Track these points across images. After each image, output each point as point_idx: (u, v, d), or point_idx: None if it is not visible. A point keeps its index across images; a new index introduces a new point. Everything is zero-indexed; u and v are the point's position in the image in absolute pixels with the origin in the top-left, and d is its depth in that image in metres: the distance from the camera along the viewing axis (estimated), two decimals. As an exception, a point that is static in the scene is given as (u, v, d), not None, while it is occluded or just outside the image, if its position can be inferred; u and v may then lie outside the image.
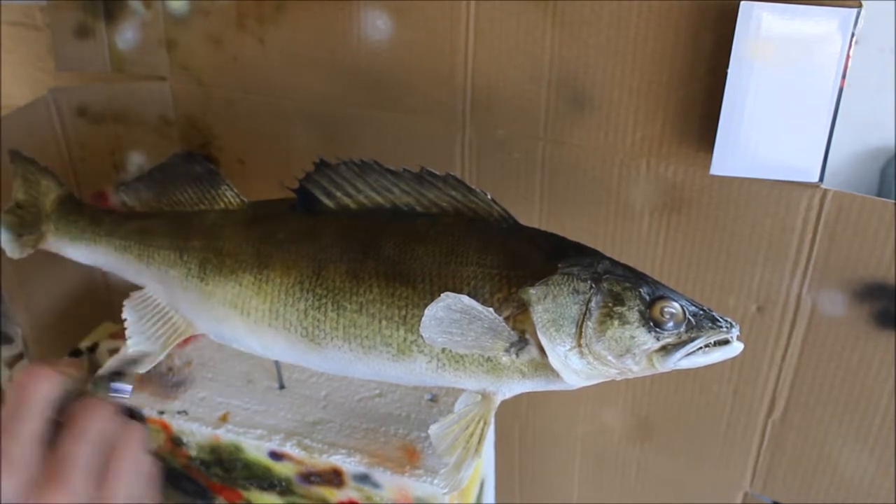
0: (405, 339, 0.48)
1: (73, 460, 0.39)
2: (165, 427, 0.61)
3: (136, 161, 0.79)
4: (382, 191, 0.51)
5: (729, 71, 0.51)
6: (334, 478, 0.57)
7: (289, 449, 0.57)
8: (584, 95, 0.59)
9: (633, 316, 0.45)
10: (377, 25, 0.63)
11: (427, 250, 0.49)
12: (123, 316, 0.57)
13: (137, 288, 0.59)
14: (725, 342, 0.45)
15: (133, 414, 0.47)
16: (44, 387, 0.40)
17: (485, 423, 0.49)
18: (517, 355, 0.47)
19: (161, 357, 0.56)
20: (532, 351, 0.46)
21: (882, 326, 0.56)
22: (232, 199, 0.57)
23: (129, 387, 0.48)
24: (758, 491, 0.67)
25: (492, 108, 0.62)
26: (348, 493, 0.58)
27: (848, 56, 0.49)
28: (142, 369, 0.56)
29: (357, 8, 0.63)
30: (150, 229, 0.57)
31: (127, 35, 0.74)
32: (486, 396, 0.49)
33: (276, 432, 0.58)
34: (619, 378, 0.47)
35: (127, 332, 0.57)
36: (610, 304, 0.45)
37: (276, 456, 0.58)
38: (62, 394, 0.42)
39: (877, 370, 0.57)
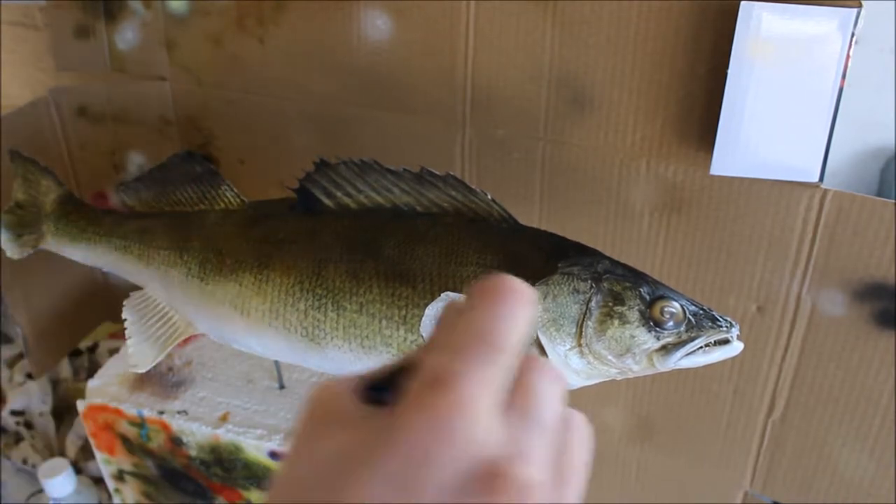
0: (405, 339, 0.48)
1: (544, 438, 0.25)
2: (165, 427, 0.61)
3: (136, 161, 0.79)
4: (382, 191, 0.51)
5: (729, 71, 0.51)
6: (334, 478, 0.57)
7: (289, 449, 0.57)
8: (584, 95, 0.59)
9: (634, 315, 0.45)
10: (377, 25, 0.63)
11: (427, 250, 0.49)
12: (123, 316, 0.57)
13: (137, 288, 0.59)
14: (725, 342, 0.45)
15: None
16: (530, 312, 0.26)
17: (485, 423, 0.48)
18: (517, 355, 0.47)
19: (161, 357, 0.56)
20: (532, 351, 0.46)
21: (882, 326, 0.56)
22: (232, 199, 0.57)
23: None
24: (758, 491, 0.67)
25: (492, 108, 0.62)
26: (348, 493, 0.58)
27: (848, 56, 0.49)
28: (140, 366, 0.55)
29: (357, 8, 0.63)
30: (150, 229, 0.57)
31: (127, 35, 0.74)
32: (486, 396, 0.49)
33: (276, 432, 0.58)
34: (619, 378, 0.47)
35: (127, 332, 0.57)
36: (610, 304, 0.45)
37: (276, 456, 0.58)
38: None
39: (877, 370, 0.57)
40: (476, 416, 0.23)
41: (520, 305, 0.26)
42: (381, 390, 0.25)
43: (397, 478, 0.22)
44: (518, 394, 0.25)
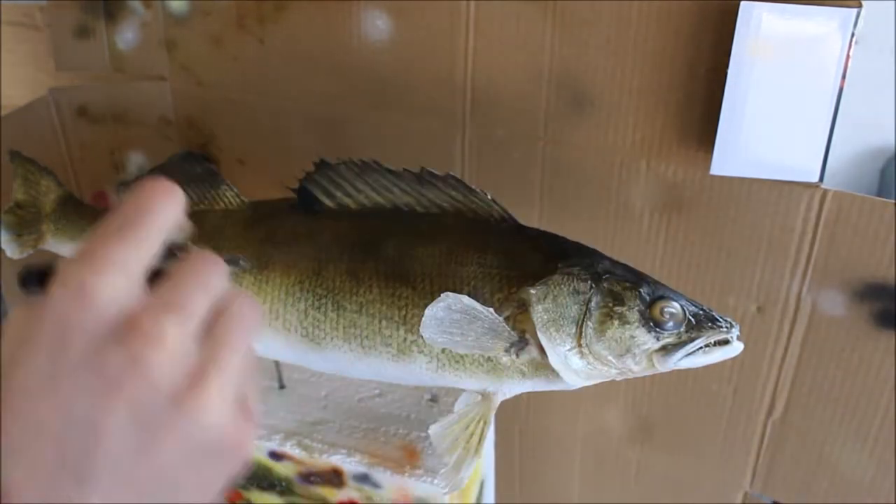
0: (405, 340, 0.48)
1: (184, 300, 0.29)
2: (165, 427, 0.61)
3: (136, 161, 0.79)
4: (382, 191, 0.51)
5: (729, 71, 0.51)
6: (334, 478, 0.57)
7: (289, 449, 0.57)
8: (584, 95, 0.59)
9: (634, 316, 0.45)
10: (377, 25, 0.63)
11: (427, 250, 0.49)
12: (123, 316, 0.57)
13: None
14: (725, 342, 0.45)
15: None
16: (173, 205, 0.30)
17: (485, 423, 0.49)
18: (517, 355, 0.47)
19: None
20: (532, 351, 0.46)
21: (882, 326, 0.56)
22: (232, 199, 0.57)
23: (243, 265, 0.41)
24: (758, 491, 0.67)
25: (492, 108, 0.62)
26: (348, 493, 0.58)
27: (848, 56, 0.49)
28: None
29: (357, 8, 0.63)
30: (150, 229, 0.57)
31: (127, 35, 0.74)
32: (486, 396, 0.49)
33: (276, 432, 0.58)
34: (619, 378, 0.47)
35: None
36: (610, 304, 0.45)
37: (276, 456, 0.58)
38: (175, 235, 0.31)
39: (877, 370, 0.57)
40: (110, 282, 0.27)
41: (159, 193, 0.30)
42: (42, 277, 0.29)
43: (49, 343, 0.27)
44: (168, 279, 0.29)
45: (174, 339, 0.27)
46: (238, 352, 0.30)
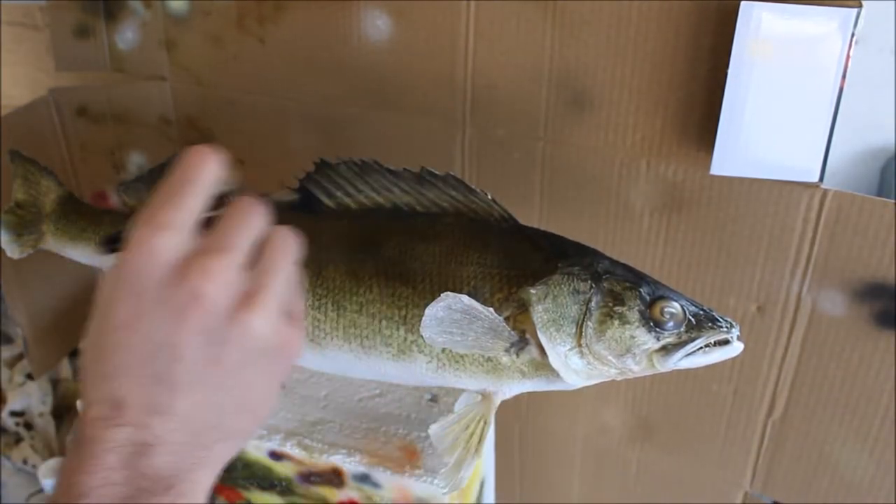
0: (405, 339, 0.48)
1: (231, 239, 0.37)
2: (165, 427, 0.61)
3: (136, 161, 0.79)
4: (382, 191, 0.51)
5: (729, 71, 0.51)
6: (334, 478, 0.57)
7: (289, 449, 0.57)
8: (584, 95, 0.59)
9: (634, 316, 0.45)
10: (377, 25, 0.63)
11: (427, 250, 0.49)
12: (123, 316, 0.57)
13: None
14: (726, 342, 0.45)
15: None
16: (212, 168, 0.38)
17: (485, 423, 0.49)
18: (517, 355, 0.47)
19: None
20: (532, 351, 0.46)
21: (882, 326, 0.56)
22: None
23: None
24: (758, 491, 0.67)
25: (492, 108, 0.62)
26: (348, 493, 0.58)
27: (848, 56, 0.49)
28: None
29: (357, 8, 0.63)
30: (150, 229, 0.57)
31: (127, 35, 0.74)
32: (486, 396, 0.49)
33: (276, 432, 0.58)
34: (619, 378, 0.47)
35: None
36: (610, 304, 0.45)
37: (276, 456, 0.58)
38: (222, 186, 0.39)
39: (877, 370, 0.57)
40: (168, 238, 0.35)
41: (198, 160, 0.37)
42: (116, 241, 0.38)
43: (131, 290, 0.35)
44: (217, 224, 0.37)
45: (221, 271, 0.35)
46: (280, 274, 0.38)
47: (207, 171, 0.37)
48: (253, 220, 0.38)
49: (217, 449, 0.37)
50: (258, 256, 0.38)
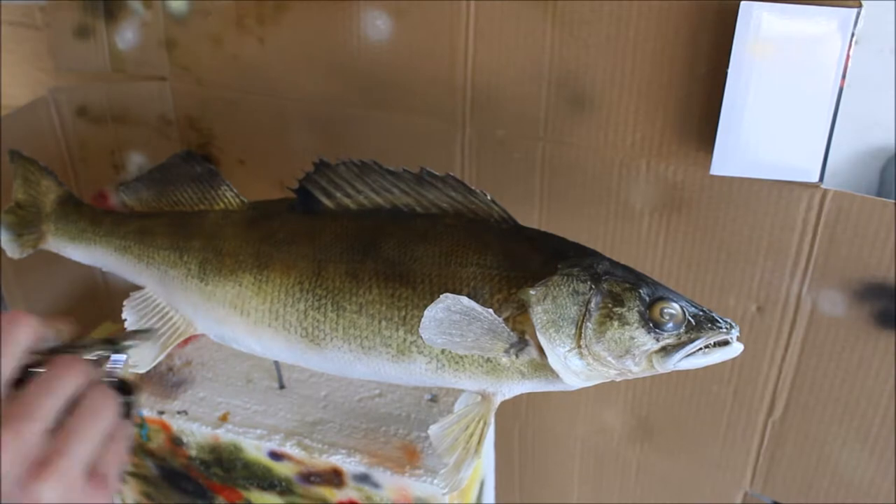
0: (405, 340, 0.48)
1: (32, 407, 0.38)
2: (165, 427, 0.61)
3: (136, 161, 0.79)
4: (382, 191, 0.51)
5: (729, 71, 0.51)
6: (334, 478, 0.57)
7: (289, 449, 0.57)
8: (584, 95, 0.58)
9: (633, 317, 0.45)
10: (377, 25, 0.63)
11: (427, 251, 0.49)
12: (123, 316, 0.57)
13: (137, 288, 0.59)
14: (725, 343, 0.45)
15: (125, 386, 0.45)
16: (23, 331, 0.39)
17: (485, 424, 0.49)
18: (517, 356, 0.47)
19: (161, 357, 0.56)
20: (532, 352, 0.46)
21: (882, 326, 0.56)
22: (232, 200, 0.57)
23: (122, 356, 0.45)
24: (758, 491, 0.67)
25: (492, 108, 0.62)
26: (348, 493, 0.58)
27: (848, 56, 0.49)
28: (140, 366, 0.55)
29: (357, 8, 0.63)
30: (150, 229, 0.57)
31: (127, 35, 0.74)
32: (485, 397, 0.49)
33: (276, 432, 0.58)
34: (618, 379, 0.47)
35: (127, 333, 0.57)
36: (609, 305, 0.45)
37: (276, 456, 0.58)
38: (43, 344, 0.41)
39: (877, 370, 0.57)
40: None
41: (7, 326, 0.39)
42: None
43: None
44: (20, 391, 0.38)
45: (11, 441, 0.36)
46: (85, 435, 0.38)
47: (16, 337, 0.39)
48: (63, 382, 0.39)
49: None
50: (67, 419, 0.38)
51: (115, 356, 0.45)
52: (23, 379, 0.39)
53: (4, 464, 0.36)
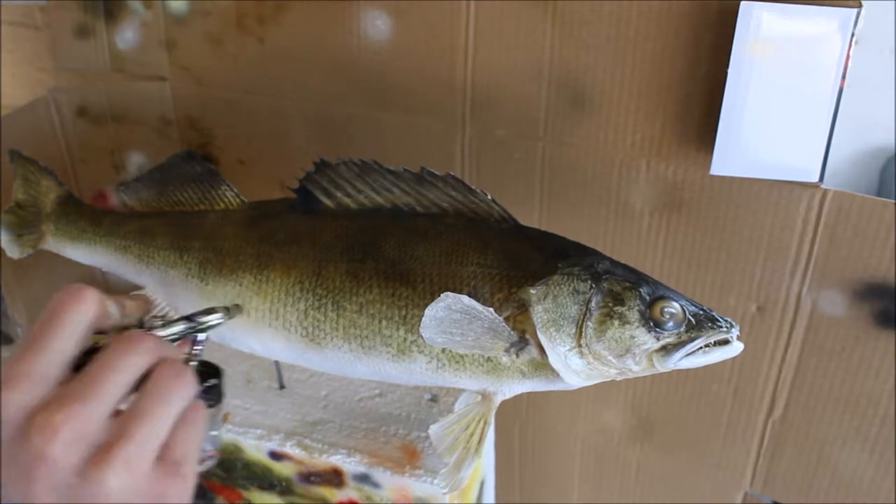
0: (405, 340, 0.48)
1: (92, 387, 0.34)
2: (165, 427, 0.61)
3: (136, 161, 0.79)
4: (382, 191, 0.51)
5: (729, 71, 0.51)
6: (334, 478, 0.57)
7: (289, 449, 0.57)
8: (584, 95, 0.59)
9: (634, 316, 0.45)
10: (377, 25, 0.63)
11: (427, 250, 0.49)
12: (123, 316, 0.57)
13: (137, 288, 0.59)
14: (725, 342, 0.45)
15: (207, 368, 0.40)
16: (84, 306, 0.35)
17: (485, 423, 0.49)
18: (517, 355, 0.47)
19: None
20: (532, 351, 0.46)
21: (882, 326, 0.56)
22: (232, 200, 0.57)
23: (203, 336, 0.41)
24: (758, 491, 0.67)
25: (492, 108, 0.62)
26: (348, 493, 0.58)
27: (848, 56, 0.49)
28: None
29: (357, 8, 0.63)
30: (150, 229, 0.57)
31: (127, 35, 0.74)
32: (486, 396, 0.49)
33: (276, 432, 0.58)
34: (619, 378, 0.47)
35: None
36: (610, 304, 0.45)
37: (276, 456, 0.58)
38: (110, 323, 0.37)
39: (877, 370, 0.57)
40: (15, 393, 0.33)
41: (66, 301, 0.35)
42: None
43: None
44: (77, 375, 0.34)
45: (67, 426, 0.33)
46: (155, 417, 0.35)
47: (76, 311, 0.35)
48: (128, 358, 0.35)
49: None
50: (135, 399, 0.35)
51: (197, 336, 0.41)
52: (84, 362, 0.35)
53: (59, 450, 0.32)
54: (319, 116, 0.69)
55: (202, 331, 0.42)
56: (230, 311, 0.46)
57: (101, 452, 0.33)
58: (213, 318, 0.43)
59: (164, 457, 0.35)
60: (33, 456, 0.32)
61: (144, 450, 0.34)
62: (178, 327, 0.41)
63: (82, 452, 0.33)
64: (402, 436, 0.58)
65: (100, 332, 0.38)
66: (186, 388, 0.36)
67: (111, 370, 0.34)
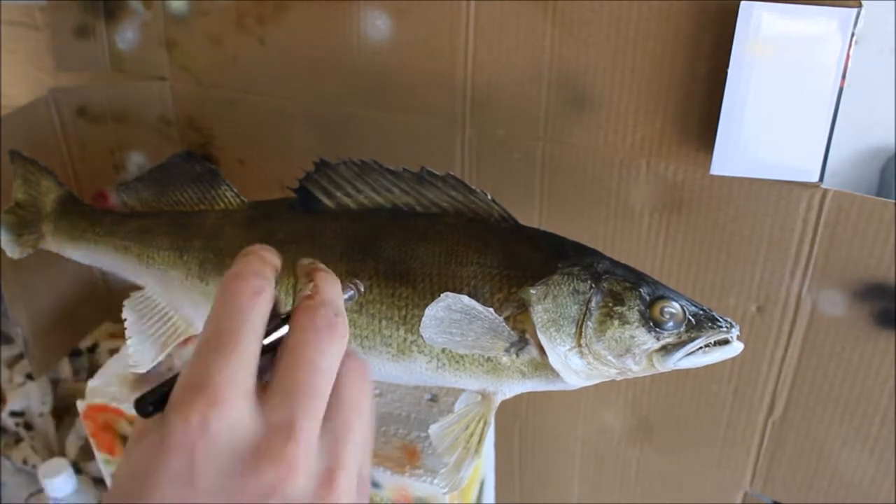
0: (405, 339, 0.48)
1: (310, 396, 0.29)
2: (165, 427, 0.60)
3: (136, 161, 0.79)
4: (382, 191, 0.51)
5: (729, 71, 0.51)
6: (334, 478, 0.57)
7: (289, 449, 0.57)
8: (584, 95, 0.59)
9: (633, 316, 0.45)
10: (377, 25, 0.63)
11: (427, 250, 0.49)
12: (123, 316, 0.57)
13: (137, 288, 0.59)
14: (725, 342, 0.45)
15: None
16: (264, 295, 0.30)
17: (485, 423, 0.49)
18: (517, 355, 0.47)
19: (161, 357, 0.56)
20: (532, 351, 0.46)
21: (882, 326, 0.56)
22: (232, 200, 0.57)
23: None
24: (758, 491, 0.67)
25: (492, 108, 0.62)
26: (348, 493, 0.58)
27: (848, 56, 0.49)
28: (140, 366, 0.54)
29: (357, 8, 0.63)
30: (150, 229, 0.57)
31: (127, 35, 0.74)
32: (486, 396, 0.49)
33: (276, 432, 0.58)
34: (619, 378, 0.47)
35: (127, 332, 0.57)
36: (610, 304, 0.45)
37: (276, 456, 0.58)
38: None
39: (877, 370, 0.57)
40: (228, 410, 0.28)
41: (244, 294, 0.30)
42: (155, 403, 0.29)
43: (177, 475, 0.27)
44: (280, 376, 0.30)
45: (300, 456, 0.28)
46: (357, 433, 0.31)
47: (257, 305, 0.30)
48: (332, 354, 0.30)
49: None
50: (330, 413, 0.30)
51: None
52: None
53: (293, 486, 0.28)
54: (319, 116, 0.69)
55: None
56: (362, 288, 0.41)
57: (328, 479, 0.29)
58: (349, 293, 0.39)
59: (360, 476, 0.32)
60: (264, 491, 0.28)
61: (354, 473, 0.31)
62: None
63: (313, 481, 0.29)
64: (402, 436, 0.58)
65: None
66: (370, 393, 0.32)
67: (318, 372, 0.30)
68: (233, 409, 0.28)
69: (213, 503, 0.27)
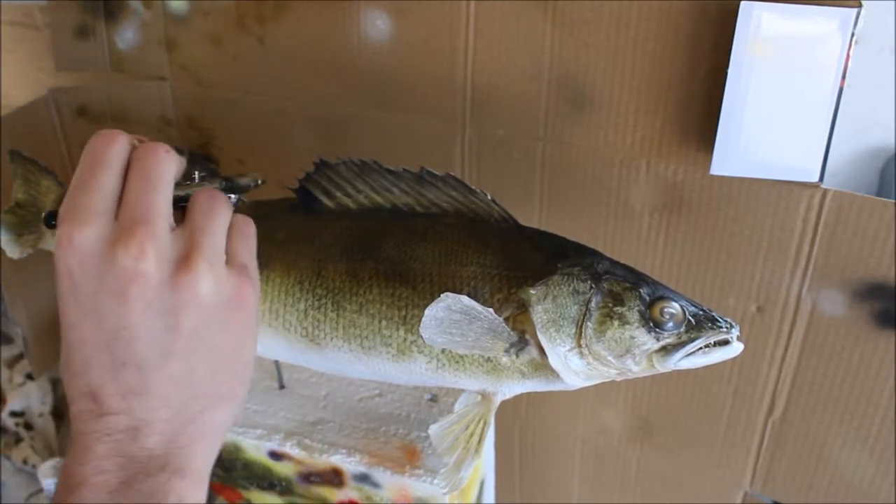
0: (405, 340, 0.48)
1: (151, 206, 0.36)
2: (165, 427, 0.61)
3: (136, 161, 0.79)
4: (382, 191, 0.51)
5: (729, 71, 0.51)
6: (334, 478, 0.57)
7: (289, 449, 0.57)
8: (584, 95, 0.59)
9: (633, 316, 0.45)
10: (377, 25, 0.63)
11: (427, 250, 0.49)
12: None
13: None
14: (725, 342, 0.45)
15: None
16: (118, 145, 0.38)
17: (485, 423, 0.49)
18: (517, 356, 0.47)
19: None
20: (532, 351, 0.46)
21: (882, 326, 0.56)
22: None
23: (235, 196, 0.43)
24: (758, 491, 0.67)
25: (492, 108, 0.62)
26: (348, 493, 0.58)
27: (848, 56, 0.49)
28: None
29: (357, 8, 0.63)
30: (150, 229, 0.57)
31: (127, 35, 0.74)
32: (486, 396, 0.49)
33: (276, 432, 0.58)
34: (619, 378, 0.47)
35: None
36: (610, 305, 0.45)
37: (275, 456, 0.58)
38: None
39: (877, 370, 0.57)
40: (87, 226, 0.35)
41: (99, 141, 0.38)
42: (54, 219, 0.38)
43: (68, 291, 0.36)
44: (125, 197, 0.37)
45: (147, 243, 0.35)
46: (211, 229, 0.38)
47: (114, 150, 0.38)
48: (167, 173, 0.38)
49: (206, 418, 0.38)
50: (187, 217, 0.38)
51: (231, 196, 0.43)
52: None
53: (150, 266, 0.35)
54: (319, 116, 0.69)
55: (234, 191, 0.44)
56: (261, 181, 0.47)
57: (184, 261, 0.36)
58: (246, 180, 0.45)
59: (231, 262, 0.38)
60: (125, 277, 0.35)
61: (218, 255, 0.37)
62: (217, 184, 0.43)
63: (168, 265, 0.36)
64: (402, 436, 0.58)
65: None
66: (225, 204, 0.39)
67: (157, 191, 0.37)
68: (91, 225, 0.35)
69: (97, 300, 0.35)
